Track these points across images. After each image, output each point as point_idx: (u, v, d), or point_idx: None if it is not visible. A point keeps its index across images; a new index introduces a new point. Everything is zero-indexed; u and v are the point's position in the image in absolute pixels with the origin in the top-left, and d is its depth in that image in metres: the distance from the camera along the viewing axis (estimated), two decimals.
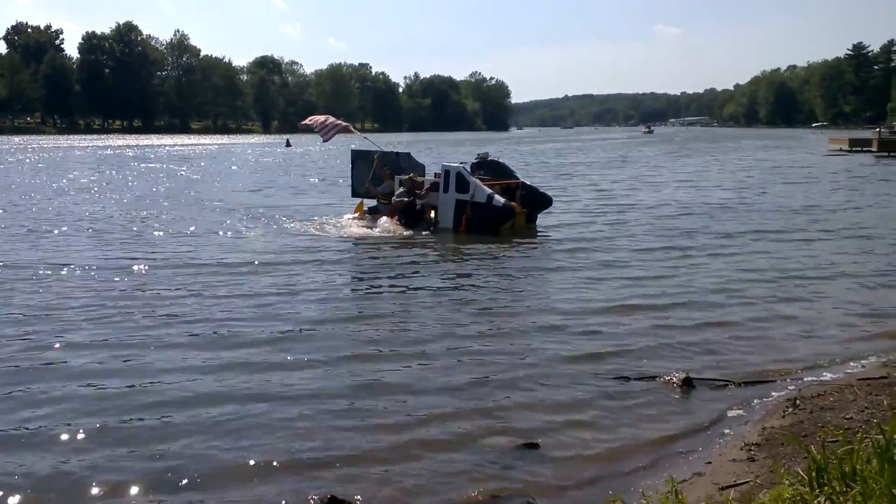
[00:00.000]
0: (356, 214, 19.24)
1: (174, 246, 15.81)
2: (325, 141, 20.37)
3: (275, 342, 8.89)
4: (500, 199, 17.17)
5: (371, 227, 17.99)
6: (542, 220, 18.80)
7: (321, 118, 20.75)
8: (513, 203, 17.47)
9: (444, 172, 17.82)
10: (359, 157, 20.52)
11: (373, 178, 19.31)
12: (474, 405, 6.96)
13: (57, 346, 8.62)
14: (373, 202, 19.50)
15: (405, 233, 17.30)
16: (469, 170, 18.00)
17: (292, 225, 19.07)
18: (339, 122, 20.68)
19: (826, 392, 7.09)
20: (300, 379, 7.60)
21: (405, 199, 18.00)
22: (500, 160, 19.88)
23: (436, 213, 18.09)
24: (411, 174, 18.67)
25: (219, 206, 23.69)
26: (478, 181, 17.42)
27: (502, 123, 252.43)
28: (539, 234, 17.78)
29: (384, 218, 18.15)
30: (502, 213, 17.15)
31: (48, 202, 25.24)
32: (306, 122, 21.22)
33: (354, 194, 20.50)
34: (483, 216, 17.09)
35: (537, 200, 18.54)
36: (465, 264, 14.10)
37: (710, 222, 19.52)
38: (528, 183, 19.01)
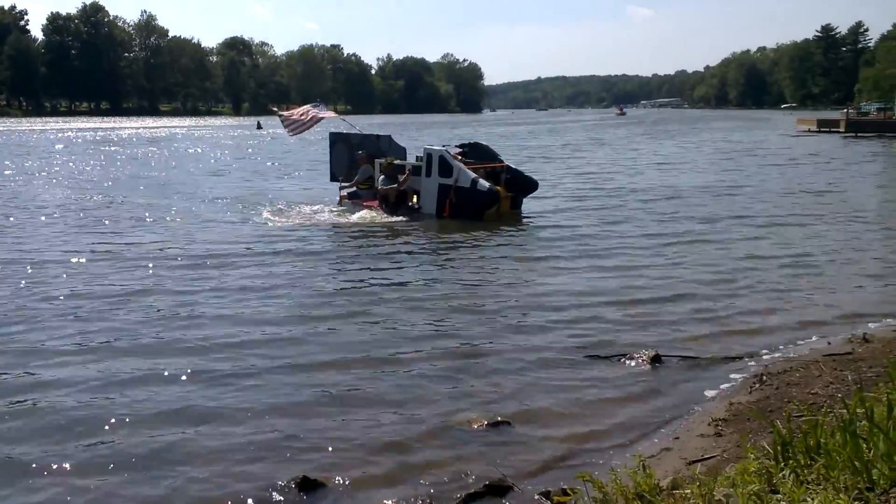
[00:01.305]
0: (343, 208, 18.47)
1: (134, 236, 15.13)
2: (291, 134, 19.92)
3: (248, 331, 8.86)
4: (484, 183, 16.63)
5: (351, 214, 17.44)
6: (527, 204, 18.31)
7: (296, 113, 19.67)
8: (498, 187, 16.95)
9: (426, 156, 17.18)
10: (338, 140, 19.80)
11: (346, 176, 18.85)
12: (445, 385, 6.99)
13: (14, 351, 7.94)
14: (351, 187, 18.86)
15: (387, 219, 16.83)
16: (451, 153, 17.36)
17: (266, 213, 18.27)
18: (314, 112, 19.57)
19: (792, 368, 7.19)
20: (274, 366, 7.55)
21: (391, 186, 17.40)
22: (483, 143, 19.32)
23: (418, 198, 17.55)
24: (389, 158, 18.10)
25: (186, 194, 22.78)
26: (461, 165, 16.84)
27: (475, 105, 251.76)
28: (524, 219, 17.33)
29: (365, 208, 17.57)
30: (487, 198, 16.61)
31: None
32: (282, 114, 20.17)
33: (333, 178, 19.82)
34: (467, 201, 16.55)
35: (523, 184, 17.96)
36: (446, 251, 13.83)
37: (688, 205, 19.49)
38: (514, 166, 18.44)
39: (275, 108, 20.56)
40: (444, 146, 17.80)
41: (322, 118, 19.55)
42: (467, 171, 16.70)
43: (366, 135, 19.86)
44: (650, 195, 21.82)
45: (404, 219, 16.92)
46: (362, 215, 17.18)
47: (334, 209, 18.19)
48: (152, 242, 14.38)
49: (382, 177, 17.68)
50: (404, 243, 14.48)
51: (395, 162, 18.03)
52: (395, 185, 17.41)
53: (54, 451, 5.66)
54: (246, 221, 17.16)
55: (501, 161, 18.22)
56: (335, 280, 11.52)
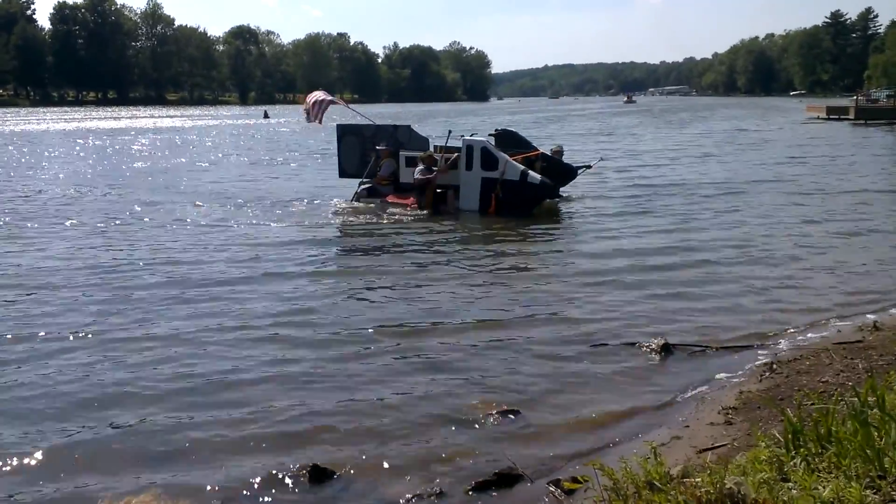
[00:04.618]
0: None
1: (133, 243, 13.22)
2: (311, 121, 18.15)
3: (258, 319, 8.89)
4: (535, 175, 15.50)
5: (378, 213, 16.06)
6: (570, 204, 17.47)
7: (311, 98, 18.21)
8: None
9: (465, 148, 15.93)
10: (346, 133, 18.13)
11: (368, 170, 17.29)
12: (454, 374, 7.00)
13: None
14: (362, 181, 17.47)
15: (423, 217, 15.58)
16: (493, 143, 16.36)
17: (281, 212, 16.69)
18: (325, 96, 18.26)
19: (802, 356, 7.19)
20: (285, 353, 7.59)
21: (426, 177, 16.05)
22: (512, 129, 18.39)
23: (455, 194, 16.29)
24: (429, 152, 16.59)
25: (191, 192, 20.34)
26: (507, 157, 15.73)
27: (482, 94, 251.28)
28: (563, 212, 16.69)
29: (392, 205, 16.38)
30: (540, 192, 15.58)
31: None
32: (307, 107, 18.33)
33: (342, 174, 18.25)
34: (517, 195, 15.43)
35: (560, 172, 17.03)
36: (470, 245, 13.23)
37: (700, 195, 19.11)
38: (549, 154, 17.52)
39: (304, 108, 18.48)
40: (472, 134, 16.83)
41: (330, 101, 18.18)
42: (514, 163, 15.68)
43: (380, 125, 18.27)
44: (682, 188, 20.51)
45: (441, 215, 15.73)
46: (397, 212, 15.90)
47: (357, 206, 16.88)
48: (166, 249, 12.71)
49: (421, 167, 16.20)
50: (431, 236, 13.86)
51: (434, 156, 16.45)
52: (429, 176, 16.10)
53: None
54: (258, 224, 15.36)
55: (535, 148, 17.32)
56: (355, 270, 11.54)
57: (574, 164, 18.67)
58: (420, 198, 16.26)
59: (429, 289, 10.08)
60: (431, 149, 17.15)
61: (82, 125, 69.77)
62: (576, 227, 15.22)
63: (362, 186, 17.52)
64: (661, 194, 19.39)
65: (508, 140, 17.45)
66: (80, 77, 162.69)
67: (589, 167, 18.63)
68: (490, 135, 17.59)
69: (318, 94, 18.53)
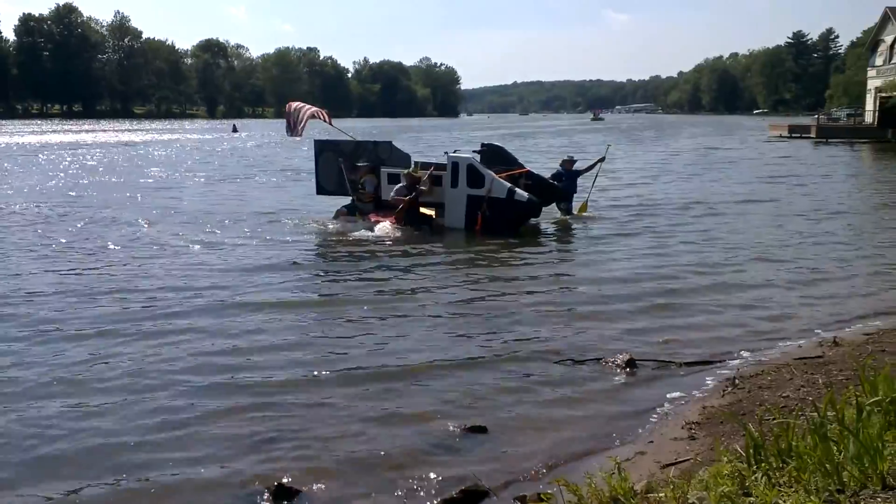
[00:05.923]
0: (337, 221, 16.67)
1: (84, 267, 12.28)
2: (291, 135, 17.63)
3: (229, 337, 8.80)
4: (523, 193, 15.31)
5: (357, 232, 15.41)
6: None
7: (294, 106, 17.73)
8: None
9: (450, 165, 15.57)
10: (324, 149, 17.50)
11: (351, 185, 16.83)
12: (420, 391, 6.98)
13: None
14: (344, 199, 17.07)
15: (407, 235, 15.13)
16: (479, 160, 15.81)
17: (249, 233, 15.79)
18: (310, 107, 17.80)
19: (764, 371, 7.27)
20: (248, 378, 7.41)
21: (406, 196, 15.63)
22: (498, 144, 18.03)
23: (437, 212, 15.93)
24: (411, 169, 16.16)
25: (152, 211, 19.18)
26: (493, 174, 15.47)
27: (452, 109, 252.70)
28: (547, 230, 16.62)
29: (375, 223, 15.66)
30: (527, 209, 15.39)
31: None
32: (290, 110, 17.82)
33: (320, 191, 17.68)
34: (504, 213, 15.20)
35: (544, 191, 16.67)
36: (444, 265, 12.95)
37: (679, 216, 18.97)
38: (535, 172, 17.18)
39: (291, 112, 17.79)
40: (454, 151, 16.56)
41: (316, 113, 17.61)
42: (501, 180, 15.42)
43: (360, 141, 17.73)
44: (656, 208, 20.30)
45: (426, 234, 15.37)
46: (377, 232, 15.23)
47: (336, 225, 16.41)
48: (120, 274, 11.71)
49: (401, 186, 15.85)
50: (411, 256, 13.47)
51: (415, 174, 16.02)
52: (410, 196, 15.65)
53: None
54: (227, 245, 14.39)
55: (521, 165, 16.99)
56: (326, 287, 11.48)
57: (585, 164, 18.67)
58: (401, 215, 15.73)
59: (400, 308, 9.99)
60: (413, 165, 16.67)
61: (44, 138, 68.64)
62: (553, 247, 15.28)
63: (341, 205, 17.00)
64: (636, 214, 19.24)
65: (495, 156, 16.97)
66: (45, 89, 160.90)
67: (603, 160, 18.53)
68: (475, 151, 17.12)
69: (299, 104, 17.92)
